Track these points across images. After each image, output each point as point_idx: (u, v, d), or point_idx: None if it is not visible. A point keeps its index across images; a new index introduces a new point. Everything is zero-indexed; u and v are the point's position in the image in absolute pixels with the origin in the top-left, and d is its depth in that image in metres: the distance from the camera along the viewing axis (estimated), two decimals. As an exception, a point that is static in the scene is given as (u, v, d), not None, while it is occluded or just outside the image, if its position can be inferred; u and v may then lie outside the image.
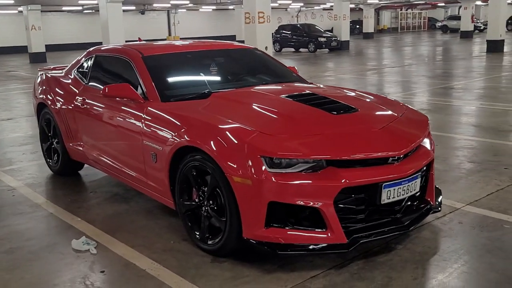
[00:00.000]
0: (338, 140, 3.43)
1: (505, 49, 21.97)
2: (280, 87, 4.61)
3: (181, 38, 36.79)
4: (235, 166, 3.23)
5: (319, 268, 3.33)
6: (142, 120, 4.04)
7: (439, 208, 3.90)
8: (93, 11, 34.44)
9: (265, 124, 3.55)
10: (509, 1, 29.51)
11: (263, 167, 3.17)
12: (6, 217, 4.47)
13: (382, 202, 3.36)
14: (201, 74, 4.76)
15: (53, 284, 3.26)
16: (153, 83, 4.24)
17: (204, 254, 3.55)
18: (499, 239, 3.71)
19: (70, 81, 5.39)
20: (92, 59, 5.24)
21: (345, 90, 4.62)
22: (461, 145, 6.49)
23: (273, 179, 3.15)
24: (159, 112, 3.97)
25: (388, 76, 15.08)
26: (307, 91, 4.31)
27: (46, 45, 25.91)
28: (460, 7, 40.24)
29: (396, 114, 3.92)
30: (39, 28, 24.93)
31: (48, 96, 5.53)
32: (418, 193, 3.69)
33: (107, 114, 4.59)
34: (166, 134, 3.78)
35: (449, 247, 3.61)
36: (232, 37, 32.11)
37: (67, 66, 5.87)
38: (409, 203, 3.64)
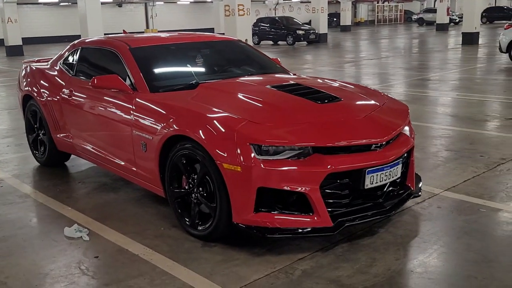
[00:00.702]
0: (323, 128, 3.56)
1: (480, 41, 22.42)
2: (265, 78, 4.72)
3: (159, 31, 36.55)
4: (225, 153, 3.35)
5: (306, 251, 3.48)
6: (132, 111, 4.13)
7: (419, 193, 4.08)
8: (70, 3, 34.09)
9: (253, 113, 3.67)
10: (483, -5, 30.00)
11: (252, 154, 3.29)
12: (-3, 207, 4.53)
13: (366, 187, 3.51)
14: (188, 65, 4.85)
15: (49, 269, 3.35)
16: (141, 74, 4.32)
17: (195, 240, 3.67)
18: (475, 221, 3.90)
19: (56, 73, 5.43)
20: (78, 51, 5.29)
21: (328, 81, 4.76)
22: (439, 134, 6.70)
23: (262, 166, 3.28)
24: (148, 103, 4.06)
25: (366, 68, 15.31)
26: (292, 82, 4.44)
27: (22, 38, 25.56)
28: (436, 0, 40.75)
29: (378, 104, 4.07)
30: (16, 20, 24.56)
31: (34, 88, 5.56)
32: (399, 179, 3.86)
33: (95, 105, 4.66)
34: (155, 124, 3.88)
35: (428, 230, 3.78)
36: (210, 30, 32.04)
37: (51, 58, 5.89)
38: (390, 188, 3.80)
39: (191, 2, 42.35)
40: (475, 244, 3.54)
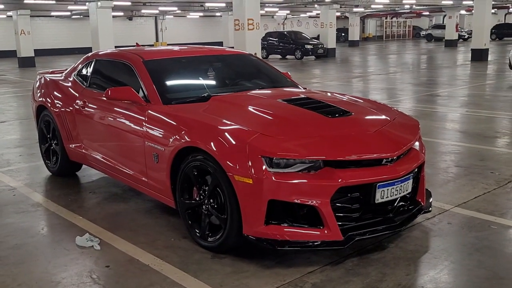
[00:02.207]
0: (334, 142, 3.59)
1: (489, 58, 22.42)
2: (276, 92, 4.77)
3: (168, 44, 36.85)
4: (236, 165, 3.38)
5: (315, 264, 3.48)
6: (144, 122, 4.17)
7: (430, 209, 4.08)
8: (81, 16, 34.47)
9: (264, 126, 3.71)
10: (493, 11, 30.11)
11: (264, 167, 3.32)
12: (10, 215, 4.57)
13: (376, 202, 3.52)
14: (200, 78, 4.92)
15: (61, 277, 3.38)
16: (154, 86, 4.38)
17: (204, 251, 3.68)
18: (486, 238, 3.89)
19: (70, 84, 5.50)
20: (92, 63, 5.36)
21: (338, 95, 4.79)
22: (448, 150, 6.70)
23: (273, 178, 3.30)
24: (160, 115, 4.11)
25: (374, 83, 15.34)
26: (303, 96, 4.47)
27: (34, 50, 25.88)
28: (444, 16, 40.89)
29: (388, 118, 4.10)
30: (28, 32, 24.91)
31: (48, 99, 5.63)
32: (410, 194, 3.86)
33: (108, 117, 4.71)
34: (168, 135, 3.92)
35: (439, 245, 3.78)
36: (219, 43, 32.27)
37: (65, 70, 5.97)
38: (401, 203, 3.81)
39: (200, 16, 42.70)
40: (486, 261, 3.53)
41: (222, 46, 29.32)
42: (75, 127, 5.23)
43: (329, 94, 4.91)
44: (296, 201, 3.32)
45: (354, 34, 39.56)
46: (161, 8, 31.64)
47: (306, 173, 3.35)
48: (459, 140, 7.30)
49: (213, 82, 4.87)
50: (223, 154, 3.46)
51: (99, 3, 19.22)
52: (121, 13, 36.03)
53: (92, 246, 3.81)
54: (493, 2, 23.13)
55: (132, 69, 4.65)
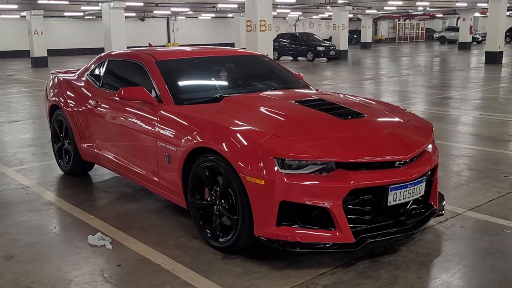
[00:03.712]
0: (346, 143, 3.57)
1: (504, 60, 22.22)
2: (288, 93, 4.76)
3: (180, 45, 36.97)
4: (248, 166, 3.37)
5: (327, 266, 3.46)
6: (156, 122, 4.18)
7: (442, 212, 4.04)
8: (94, 17, 34.66)
9: (276, 127, 3.70)
10: (507, 13, 29.85)
11: (276, 168, 3.31)
12: (23, 213, 4.61)
13: (389, 204, 3.50)
14: (212, 79, 4.92)
15: (73, 275, 3.40)
16: (166, 87, 4.39)
17: (215, 252, 3.68)
18: (500, 242, 3.85)
19: (83, 84, 5.53)
20: (105, 63, 5.39)
21: (351, 97, 4.77)
22: (461, 153, 6.65)
23: (285, 180, 3.29)
24: (172, 116, 4.11)
25: (386, 85, 15.27)
26: (315, 97, 4.46)
27: (47, 50, 26.07)
28: (458, 18, 40.63)
29: (402, 121, 4.07)
30: (42, 33, 25.09)
31: (61, 98, 5.67)
32: (423, 197, 3.83)
33: (120, 116, 4.73)
34: (180, 135, 3.92)
35: (451, 249, 3.75)
36: (231, 45, 32.32)
37: (78, 69, 6.01)
38: (413, 206, 3.78)
39: (212, 17, 42.80)
40: (500, 265, 3.49)
41: (234, 47, 29.39)
42: (87, 127, 5.26)
43: (341, 95, 4.89)
44: (307, 202, 3.30)
45: (367, 36, 39.42)
46: (173, 9, 31.73)
47: (318, 174, 3.34)
48: (472, 144, 7.24)
49: (225, 83, 4.87)
50: (235, 154, 3.46)
51: (111, 4, 19.34)
52: (134, 14, 36.21)
53: (104, 245, 3.82)
54: (508, 4, 22.90)
55: (145, 69, 4.66)
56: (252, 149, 3.41)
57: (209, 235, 3.77)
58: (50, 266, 3.55)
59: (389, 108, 4.46)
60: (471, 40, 35.25)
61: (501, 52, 21.92)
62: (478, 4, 30.72)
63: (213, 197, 3.73)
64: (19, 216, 4.53)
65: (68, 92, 5.63)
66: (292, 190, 3.29)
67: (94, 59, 5.68)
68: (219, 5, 28.98)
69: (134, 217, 4.46)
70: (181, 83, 4.69)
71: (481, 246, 3.80)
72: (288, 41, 28.96)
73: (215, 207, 3.71)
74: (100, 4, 20.29)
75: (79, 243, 3.90)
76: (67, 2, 23.29)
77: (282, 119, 3.88)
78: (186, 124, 3.95)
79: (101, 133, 5.11)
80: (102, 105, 5.04)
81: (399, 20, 54.55)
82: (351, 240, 3.35)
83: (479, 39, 41.20)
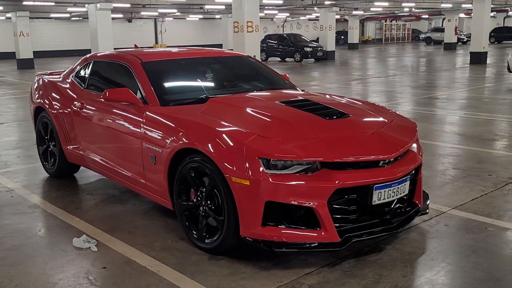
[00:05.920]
0: (331, 143, 3.59)
1: (488, 61, 22.45)
2: (274, 93, 4.77)
3: (167, 46, 36.87)
4: (234, 167, 3.38)
5: (312, 266, 3.48)
6: (142, 124, 4.18)
7: (427, 211, 4.08)
8: (81, 18, 34.44)
9: (262, 127, 3.71)
10: (491, 14, 30.15)
11: (261, 168, 3.32)
12: (7, 216, 4.57)
13: (373, 203, 3.52)
14: (198, 80, 4.92)
15: (58, 278, 3.38)
16: (152, 88, 4.38)
17: (201, 253, 3.68)
18: (483, 240, 3.90)
19: (68, 85, 5.50)
20: (90, 65, 5.36)
21: (336, 97, 4.80)
22: (446, 152, 6.70)
23: (270, 180, 3.30)
24: (158, 117, 4.11)
25: (373, 86, 15.35)
26: (300, 98, 4.48)
27: (33, 52, 25.87)
28: (444, 19, 40.95)
29: (386, 120, 4.10)
30: (27, 34, 24.90)
31: (46, 100, 5.63)
32: (407, 196, 3.87)
33: (106, 118, 4.71)
34: (165, 137, 3.92)
35: (436, 247, 3.78)
36: (219, 46, 32.32)
37: (63, 71, 5.98)
38: (398, 205, 3.81)
39: (200, 18, 42.75)
40: (483, 262, 3.53)
41: (222, 48, 29.36)
42: (73, 129, 5.23)
43: (327, 96, 4.91)
44: (293, 202, 3.32)
45: (354, 37, 39.61)
46: (160, 10, 31.66)
47: (303, 174, 3.35)
48: (457, 143, 7.31)
49: (211, 84, 4.87)
50: (221, 155, 3.46)
51: (98, 5, 19.23)
52: (121, 15, 36.02)
53: (89, 247, 3.80)
54: (492, 5, 23.13)
55: (130, 71, 4.65)
56: (238, 150, 3.42)
57: (195, 236, 3.77)
58: (34, 269, 3.53)
59: (374, 108, 4.50)
60: (456, 41, 35.55)
61: (486, 53, 22.14)
62: (463, 5, 31.02)
63: (199, 198, 3.73)
64: (3, 219, 4.50)
65: (53, 94, 5.60)
66: (278, 190, 3.31)
67: (80, 61, 5.65)
68: (207, 6, 28.95)
69: (120, 219, 4.45)
70: (167, 84, 4.68)
71: (465, 244, 3.84)
72: (276, 42, 29.00)
73: (201, 208, 3.71)
74: (86, 5, 20.17)
75: (64, 246, 3.88)
76: (53, 4, 23.16)
77: (268, 119, 3.89)
78: (172, 125, 3.94)
79: (87, 135, 5.08)
80: (88, 106, 5.02)
81: (385, 21, 54.89)
82: (336, 240, 3.37)
83: (464, 40, 41.55)
